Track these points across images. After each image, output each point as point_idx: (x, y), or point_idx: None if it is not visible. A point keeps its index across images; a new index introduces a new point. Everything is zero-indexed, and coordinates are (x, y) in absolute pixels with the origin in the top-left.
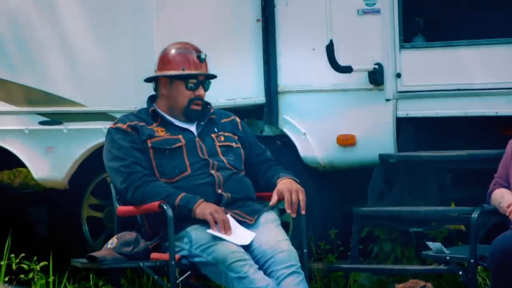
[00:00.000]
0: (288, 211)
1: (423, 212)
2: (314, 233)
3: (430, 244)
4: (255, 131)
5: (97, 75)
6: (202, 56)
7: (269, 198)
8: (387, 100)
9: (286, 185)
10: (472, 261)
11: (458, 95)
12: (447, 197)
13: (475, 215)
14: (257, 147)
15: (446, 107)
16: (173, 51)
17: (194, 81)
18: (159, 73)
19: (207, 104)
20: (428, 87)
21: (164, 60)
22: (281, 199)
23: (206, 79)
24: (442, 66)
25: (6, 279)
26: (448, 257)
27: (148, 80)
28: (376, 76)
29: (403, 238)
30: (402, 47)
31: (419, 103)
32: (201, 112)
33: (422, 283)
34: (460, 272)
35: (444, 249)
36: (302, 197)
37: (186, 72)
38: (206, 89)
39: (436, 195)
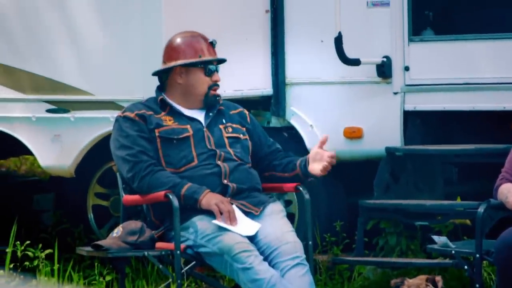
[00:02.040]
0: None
1: (429, 205)
2: (320, 225)
3: (435, 238)
4: (262, 122)
5: (105, 64)
6: (214, 42)
7: (274, 189)
8: (395, 93)
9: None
10: (477, 255)
11: (466, 89)
12: (453, 191)
13: (481, 209)
14: (267, 138)
15: (454, 101)
16: (183, 40)
17: (212, 67)
18: (175, 63)
19: (217, 95)
20: (436, 80)
21: (178, 50)
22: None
23: (218, 64)
24: (451, 59)
25: (11, 266)
26: (453, 251)
27: (159, 71)
28: (384, 69)
29: (408, 232)
30: (411, 40)
31: (427, 96)
32: (218, 97)
33: (431, 278)
34: (466, 267)
35: (450, 243)
36: (330, 162)
37: (204, 58)
38: None
39: (442, 189)
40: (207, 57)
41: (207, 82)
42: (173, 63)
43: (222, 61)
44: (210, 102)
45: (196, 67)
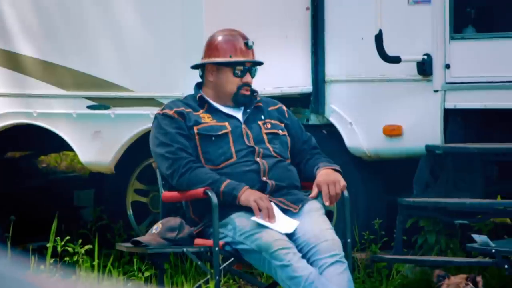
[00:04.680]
0: (327, 203)
1: (469, 204)
2: (358, 223)
3: (475, 236)
4: (301, 120)
5: (146, 61)
6: (250, 43)
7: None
8: (435, 91)
9: (324, 177)
10: None
11: (508, 88)
12: (494, 189)
13: None
14: (303, 134)
15: (495, 99)
16: (220, 38)
17: (241, 68)
18: (206, 60)
19: (253, 91)
20: (477, 78)
21: (212, 47)
22: (320, 191)
23: (252, 66)
24: (492, 57)
25: (52, 261)
26: (493, 250)
27: (194, 67)
28: (425, 67)
29: (448, 230)
30: (452, 38)
31: (468, 94)
32: (250, 97)
33: (472, 277)
34: (506, 266)
35: (490, 242)
36: (338, 189)
37: (234, 59)
38: (252, 76)
39: (482, 187)
40: (237, 58)
41: (236, 82)
42: (205, 60)
43: (258, 63)
44: (241, 102)
45: (225, 67)
